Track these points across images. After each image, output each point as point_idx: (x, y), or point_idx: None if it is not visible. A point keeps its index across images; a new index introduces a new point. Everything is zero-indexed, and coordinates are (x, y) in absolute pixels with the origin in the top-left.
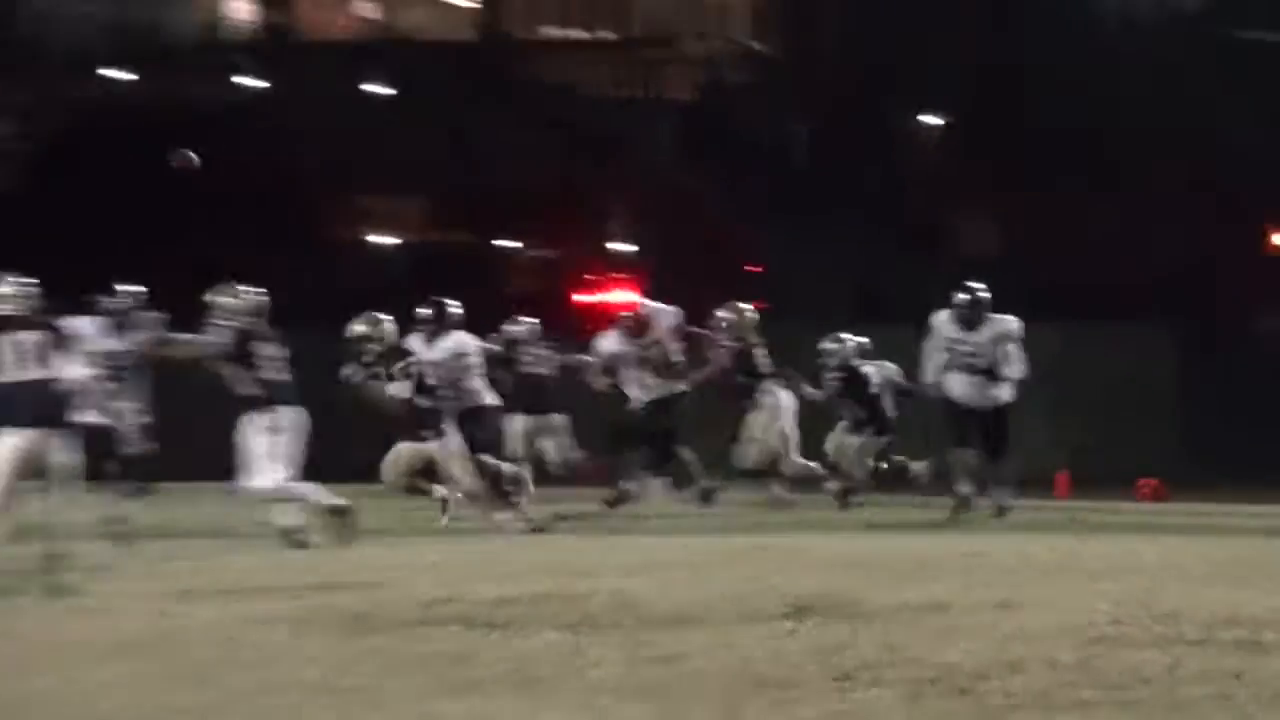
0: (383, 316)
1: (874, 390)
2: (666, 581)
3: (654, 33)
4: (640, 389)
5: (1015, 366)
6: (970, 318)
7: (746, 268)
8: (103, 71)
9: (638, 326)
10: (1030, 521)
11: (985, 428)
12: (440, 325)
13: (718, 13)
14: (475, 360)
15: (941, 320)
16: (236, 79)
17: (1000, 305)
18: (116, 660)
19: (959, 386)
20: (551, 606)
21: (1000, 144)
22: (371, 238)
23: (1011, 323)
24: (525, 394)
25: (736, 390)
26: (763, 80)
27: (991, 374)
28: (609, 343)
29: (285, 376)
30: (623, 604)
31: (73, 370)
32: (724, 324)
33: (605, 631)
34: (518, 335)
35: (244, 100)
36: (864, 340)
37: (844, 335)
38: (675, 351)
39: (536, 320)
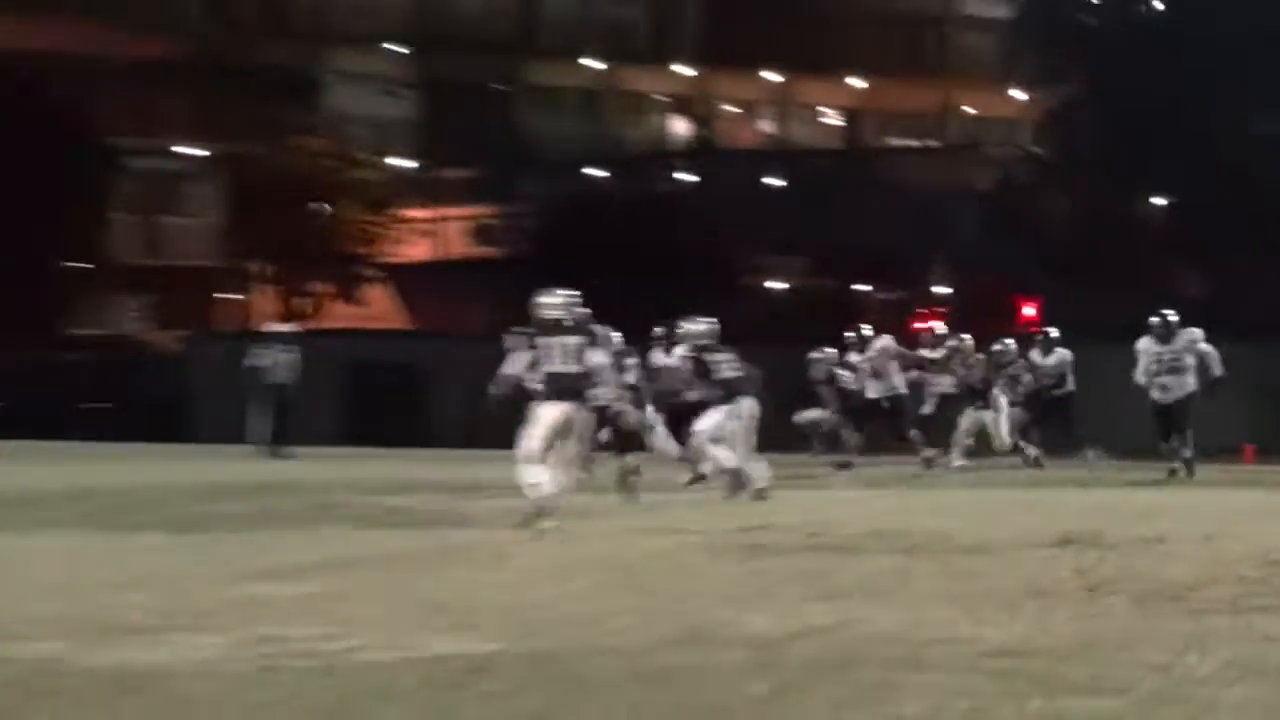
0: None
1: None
2: (967, 521)
3: (964, 141)
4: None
5: (1216, 365)
6: (1164, 334)
7: (1022, 307)
8: (585, 171)
9: (935, 341)
10: (1226, 479)
11: (1177, 413)
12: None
13: (1009, 128)
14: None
15: (1143, 342)
16: (676, 175)
17: (1212, 327)
18: (583, 575)
19: (1158, 391)
20: (887, 539)
21: (1213, 216)
22: (768, 284)
23: (1197, 332)
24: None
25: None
26: (1040, 175)
27: (1181, 372)
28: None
29: (740, 374)
30: (937, 537)
31: (597, 361)
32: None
33: (925, 556)
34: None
35: (682, 190)
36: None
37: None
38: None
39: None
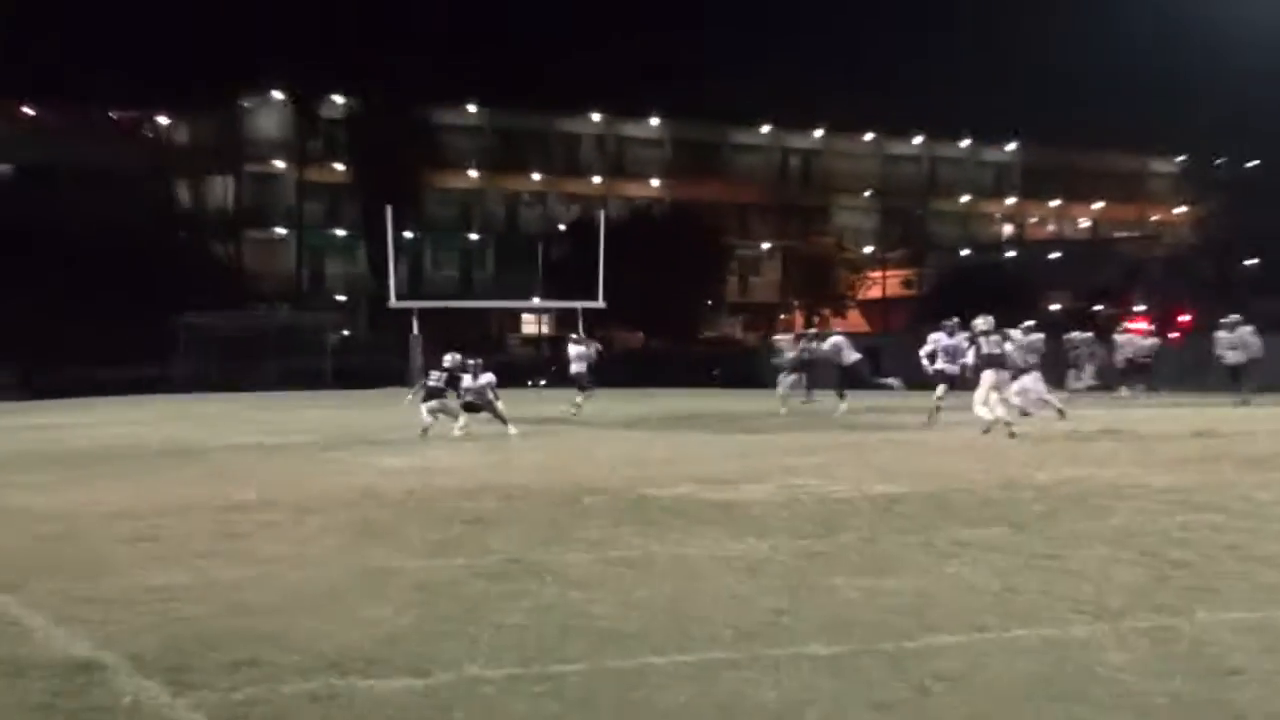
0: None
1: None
2: (1152, 424)
3: (1152, 234)
4: None
5: (1255, 346)
6: (1230, 325)
7: (1178, 316)
8: (961, 252)
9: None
10: None
11: (1238, 370)
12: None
13: (1177, 230)
14: None
15: (1220, 331)
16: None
17: None
18: (954, 453)
19: (1230, 357)
20: (1109, 434)
21: None
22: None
23: (1242, 322)
24: None
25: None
26: (1194, 252)
27: (1239, 348)
28: None
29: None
30: (1133, 433)
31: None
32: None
33: (1127, 443)
34: None
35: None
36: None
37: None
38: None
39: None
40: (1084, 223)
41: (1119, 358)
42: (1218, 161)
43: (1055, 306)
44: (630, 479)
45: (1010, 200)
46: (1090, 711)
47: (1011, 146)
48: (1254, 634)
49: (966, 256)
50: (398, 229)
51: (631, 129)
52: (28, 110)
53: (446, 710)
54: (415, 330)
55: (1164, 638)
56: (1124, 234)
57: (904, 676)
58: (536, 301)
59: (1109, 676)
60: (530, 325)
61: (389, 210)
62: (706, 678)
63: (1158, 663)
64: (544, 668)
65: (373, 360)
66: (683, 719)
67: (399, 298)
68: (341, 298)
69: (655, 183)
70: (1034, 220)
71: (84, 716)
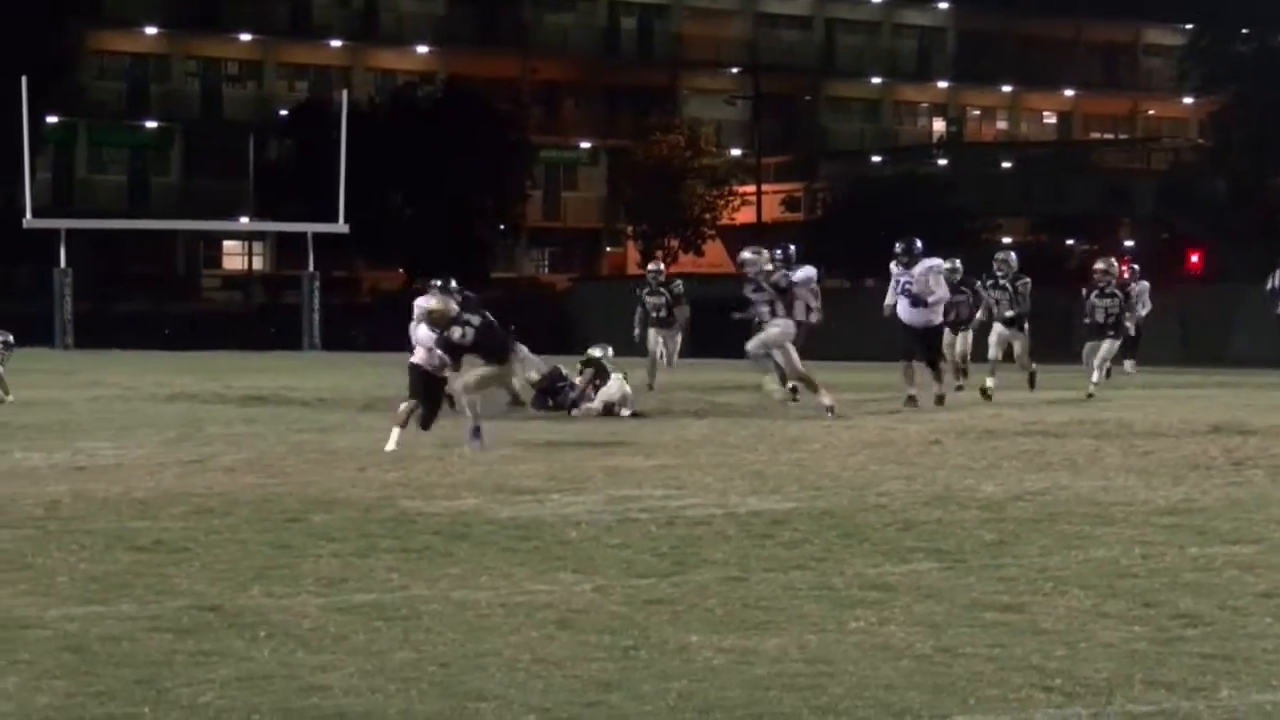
0: None
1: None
2: (1147, 412)
3: (1146, 135)
4: None
5: None
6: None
7: (1190, 255)
8: (869, 158)
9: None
10: None
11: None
12: None
13: (1181, 126)
14: None
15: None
16: (935, 161)
17: None
18: (861, 453)
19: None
20: (1085, 427)
21: None
22: (1002, 238)
23: None
24: None
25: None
26: (1203, 159)
27: None
28: None
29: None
30: (1121, 425)
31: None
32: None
33: (1113, 440)
34: None
35: (937, 172)
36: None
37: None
38: None
39: None
40: (1048, 119)
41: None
42: (1244, 32)
43: (1006, 240)
44: (384, 486)
45: (941, 84)
46: None
47: (944, 4)
48: None
49: (877, 165)
50: (36, 112)
51: None
52: None
53: None
54: (62, 263)
55: None
56: (1105, 136)
57: None
58: (245, 223)
59: None
60: (235, 259)
61: (23, 84)
62: None
63: None
64: None
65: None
66: None
67: (37, 214)
68: None
69: (422, 50)
70: (976, 114)
71: None
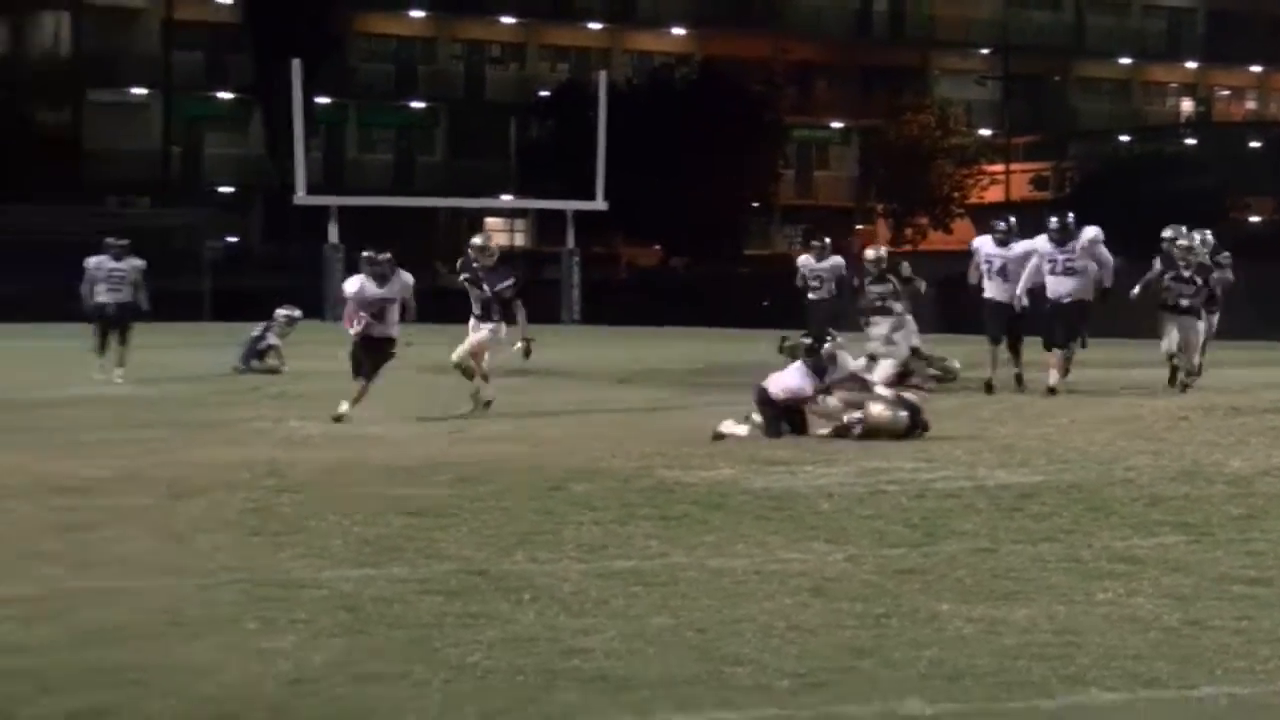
0: None
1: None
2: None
3: None
4: None
5: None
6: None
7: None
8: (1117, 138)
9: None
10: None
11: None
12: None
13: None
14: None
15: None
16: (1183, 140)
17: None
18: (1108, 429)
19: None
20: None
21: None
22: (1249, 217)
23: None
24: None
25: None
26: None
27: None
28: None
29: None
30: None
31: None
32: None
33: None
34: None
35: (1186, 151)
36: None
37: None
38: None
39: None
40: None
41: None
42: None
43: (1254, 219)
44: (642, 457)
45: (1190, 64)
46: None
47: None
48: None
49: (1125, 144)
50: (308, 94)
51: None
52: None
53: None
54: (332, 238)
55: None
56: None
57: None
58: (508, 200)
59: None
60: (499, 235)
61: (296, 66)
62: None
63: None
64: None
65: (270, 280)
66: None
67: (310, 192)
68: (226, 189)
69: (679, 32)
70: (1224, 94)
71: None
